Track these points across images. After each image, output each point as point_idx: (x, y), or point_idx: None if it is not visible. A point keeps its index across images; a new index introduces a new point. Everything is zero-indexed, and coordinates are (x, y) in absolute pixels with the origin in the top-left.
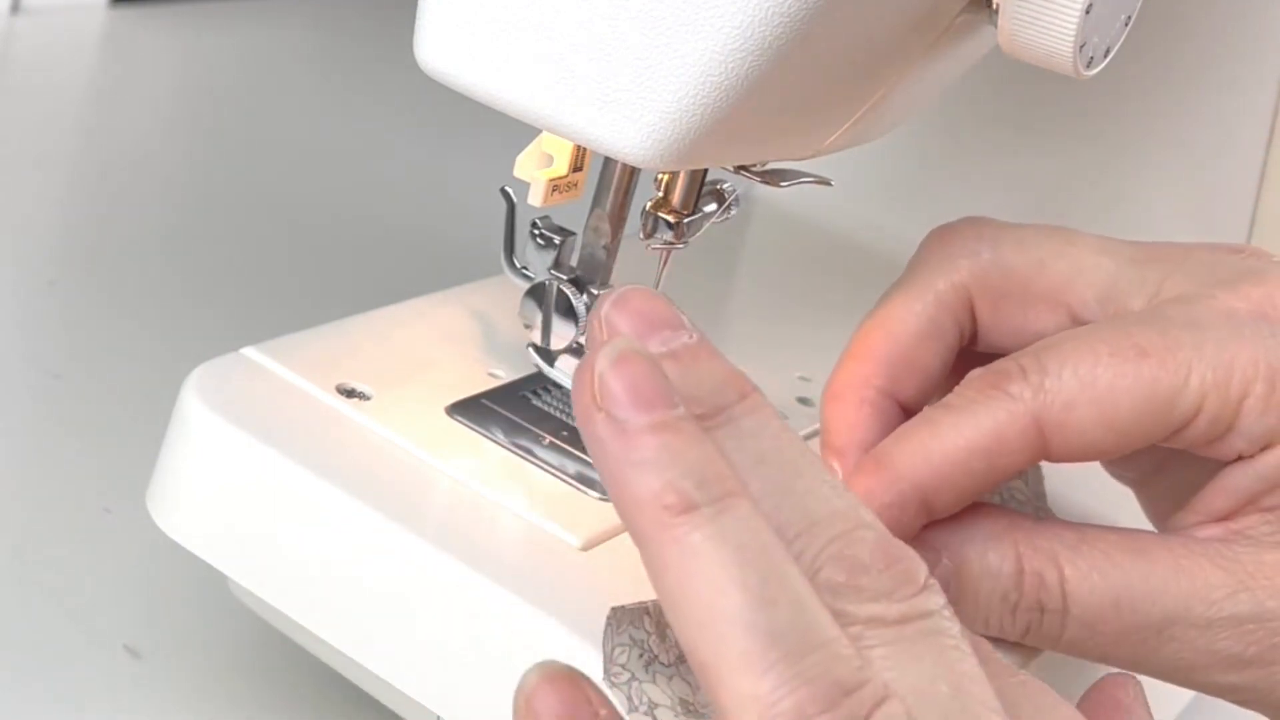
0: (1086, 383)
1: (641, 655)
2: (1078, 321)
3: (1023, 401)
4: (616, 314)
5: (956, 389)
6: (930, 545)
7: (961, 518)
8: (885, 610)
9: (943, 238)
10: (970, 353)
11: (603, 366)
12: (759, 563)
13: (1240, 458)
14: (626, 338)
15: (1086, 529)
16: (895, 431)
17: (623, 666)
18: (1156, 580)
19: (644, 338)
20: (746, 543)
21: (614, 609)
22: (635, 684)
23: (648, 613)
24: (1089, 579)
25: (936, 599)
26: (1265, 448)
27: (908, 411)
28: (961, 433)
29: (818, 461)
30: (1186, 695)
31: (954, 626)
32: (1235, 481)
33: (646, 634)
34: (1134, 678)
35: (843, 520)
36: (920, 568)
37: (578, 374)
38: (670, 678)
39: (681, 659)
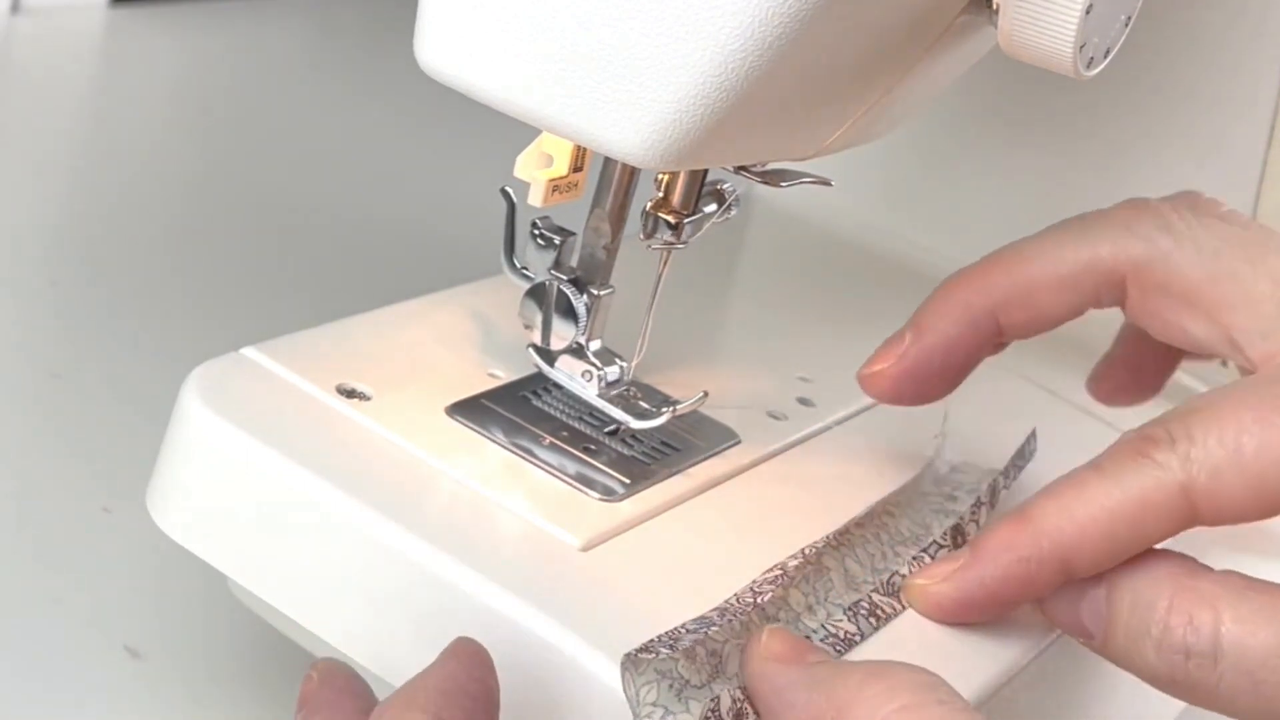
0: (1232, 451)
1: (671, 686)
2: (1233, 346)
3: (1170, 470)
4: None
5: (1107, 452)
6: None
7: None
8: None
9: (1134, 208)
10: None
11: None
12: None
13: None
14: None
15: (1257, 581)
16: (1044, 488)
17: (654, 704)
18: None
19: None
20: None
21: (626, 655)
22: (670, 717)
23: (665, 644)
24: (1251, 624)
25: None
26: None
27: (1001, 341)
28: (1109, 496)
29: None
30: None
31: None
32: None
33: (673, 660)
34: None
35: None
36: None
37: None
38: (704, 699)
39: (717, 671)
